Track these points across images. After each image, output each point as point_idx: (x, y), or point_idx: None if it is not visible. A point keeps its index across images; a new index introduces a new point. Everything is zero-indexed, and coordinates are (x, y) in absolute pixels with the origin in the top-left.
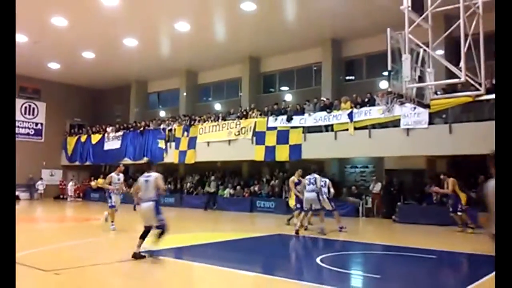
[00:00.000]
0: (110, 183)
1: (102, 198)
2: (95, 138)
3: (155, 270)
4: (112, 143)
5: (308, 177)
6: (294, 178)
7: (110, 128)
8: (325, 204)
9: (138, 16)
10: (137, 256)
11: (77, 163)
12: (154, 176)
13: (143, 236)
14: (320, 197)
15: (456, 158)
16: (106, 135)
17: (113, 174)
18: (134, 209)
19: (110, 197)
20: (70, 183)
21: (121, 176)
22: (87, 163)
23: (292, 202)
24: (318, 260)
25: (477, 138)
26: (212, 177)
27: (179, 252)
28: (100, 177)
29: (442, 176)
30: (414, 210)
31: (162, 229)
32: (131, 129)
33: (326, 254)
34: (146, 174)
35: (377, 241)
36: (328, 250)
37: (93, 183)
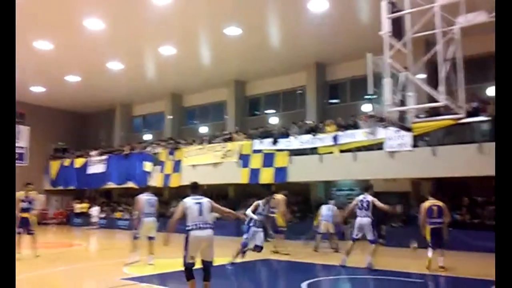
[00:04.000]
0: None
1: (85, 223)
2: (79, 162)
3: None
4: (96, 167)
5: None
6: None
7: (94, 152)
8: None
9: (123, 40)
10: None
11: (60, 187)
12: (206, 199)
13: (191, 276)
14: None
15: (441, 181)
16: (89, 159)
17: (259, 201)
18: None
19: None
20: (95, 208)
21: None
22: (71, 187)
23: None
24: (303, 286)
25: (460, 161)
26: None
27: (163, 278)
28: (85, 201)
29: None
30: (400, 232)
31: (210, 270)
32: (115, 152)
33: (312, 279)
34: (195, 196)
35: (363, 265)
36: (314, 275)
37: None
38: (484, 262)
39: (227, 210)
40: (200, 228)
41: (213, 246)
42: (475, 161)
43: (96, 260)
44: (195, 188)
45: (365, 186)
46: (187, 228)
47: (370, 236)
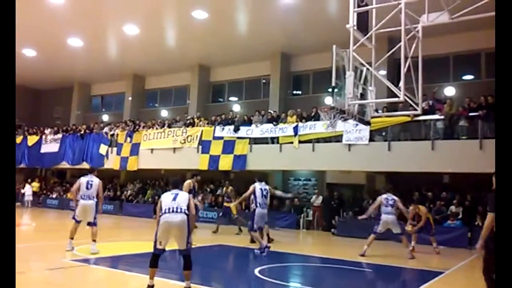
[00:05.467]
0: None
1: (35, 202)
2: (32, 139)
3: (87, 279)
4: (50, 146)
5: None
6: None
7: (49, 130)
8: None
9: (84, 15)
10: None
11: None
12: (185, 193)
13: (154, 264)
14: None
15: (394, 175)
16: (44, 137)
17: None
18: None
19: None
20: (28, 187)
21: None
22: (22, 165)
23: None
24: (256, 271)
25: (413, 157)
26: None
27: (114, 261)
28: (35, 181)
29: (411, 207)
30: (353, 224)
31: (189, 257)
32: (71, 132)
33: (264, 265)
34: (174, 190)
35: (316, 253)
36: (266, 262)
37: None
38: (429, 254)
39: (194, 213)
40: (171, 211)
41: (186, 233)
42: (427, 158)
43: (45, 240)
44: (175, 184)
45: (388, 187)
46: (160, 214)
47: (396, 230)
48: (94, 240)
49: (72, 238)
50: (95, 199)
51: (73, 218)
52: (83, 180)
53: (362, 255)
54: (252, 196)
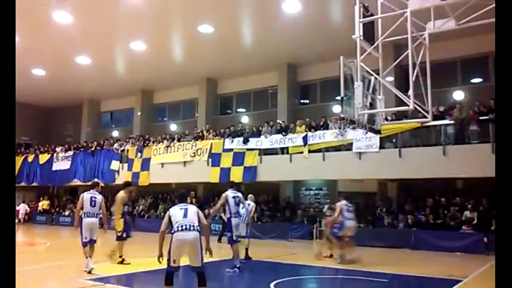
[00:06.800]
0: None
1: (48, 221)
2: (43, 158)
3: None
4: (62, 164)
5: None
6: None
7: (60, 148)
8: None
9: (92, 34)
10: None
11: (23, 183)
12: (193, 206)
13: (169, 282)
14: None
15: (406, 182)
16: (55, 155)
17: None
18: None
19: None
20: (22, 205)
21: None
22: (34, 184)
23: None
24: (271, 285)
25: (425, 163)
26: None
27: (129, 279)
28: (45, 198)
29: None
30: (366, 232)
31: (204, 275)
32: (82, 149)
33: (280, 279)
34: (181, 204)
35: (330, 264)
36: (281, 275)
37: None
38: (445, 261)
39: (206, 223)
40: (184, 229)
41: (200, 249)
42: (439, 163)
43: (59, 260)
44: (182, 197)
45: (344, 194)
46: (172, 232)
47: (353, 234)
48: (90, 256)
49: (90, 257)
50: (99, 217)
51: (83, 244)
52: (86, 196)
53: (340, 262)
54: (226, 206)
